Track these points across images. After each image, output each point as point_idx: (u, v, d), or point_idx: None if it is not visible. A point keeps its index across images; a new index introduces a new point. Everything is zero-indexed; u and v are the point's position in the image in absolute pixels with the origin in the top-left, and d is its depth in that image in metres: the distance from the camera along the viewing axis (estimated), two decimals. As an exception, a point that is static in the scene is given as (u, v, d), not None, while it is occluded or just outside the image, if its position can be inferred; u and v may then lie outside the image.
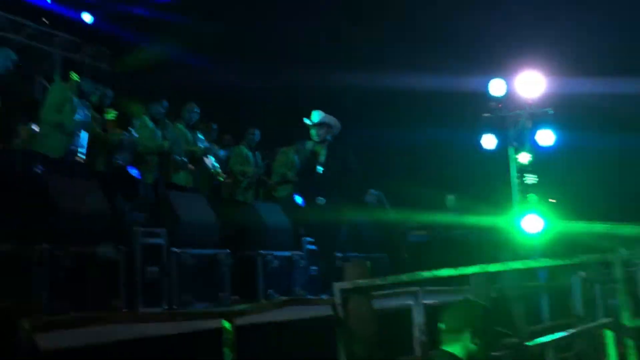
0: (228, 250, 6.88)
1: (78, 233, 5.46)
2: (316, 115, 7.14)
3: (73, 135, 6.81)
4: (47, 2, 11.00)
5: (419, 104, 12.29)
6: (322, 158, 7.08)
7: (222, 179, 8.58)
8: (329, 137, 7.16)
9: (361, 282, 4.83)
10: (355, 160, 7.22)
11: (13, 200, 5.45)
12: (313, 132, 7.12)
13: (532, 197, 10.36)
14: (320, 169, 7.05)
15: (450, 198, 11.48)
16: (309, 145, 7.16)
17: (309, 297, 6.81)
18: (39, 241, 5.13)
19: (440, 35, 12.16)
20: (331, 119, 7.18)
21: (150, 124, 7.85)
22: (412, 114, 12.39)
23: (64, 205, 5.46)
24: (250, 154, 9.16)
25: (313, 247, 7.89)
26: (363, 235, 9.29)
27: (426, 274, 5.04)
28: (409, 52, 11.84)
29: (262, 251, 7.29)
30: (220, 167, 8.81)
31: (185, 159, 7.98)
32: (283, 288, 7.34)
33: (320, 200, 6.99)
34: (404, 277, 5.11)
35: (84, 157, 6.94)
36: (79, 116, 6.85)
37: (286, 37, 12.79)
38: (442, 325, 3.97)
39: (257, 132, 9.24)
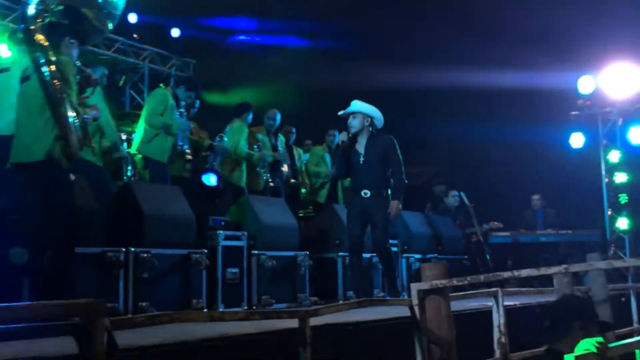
0: (307, 252, 6.98)
1: (162, 236, 5.68)
2: (352, 105, 6.67)
3: (177, 138, 7.09)
4: (133, 22, 11.39)
5: (504, 102, 12.05)
6: (360, 149, 6.54)
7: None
8: (369, 127, 6.58)
9: (439, 282, 4.77)
10: (396, 150, 6.55)
11: (103, 206, 5.72)
12: (349, 122, 6.62)
13: (623, 197, 9.99)
14: (361, 160, 6.49)
15: (536, 197, 11.14)
16: (340, 137, 6.64)
17: (388, 298, 6.78)
18: (126, 244, 5.37)
19: (526, 31, 11.88)
20: (369, 108, 6.61)
21: (245, 131, 8.11)
22: (497, 112, 12.17)
23: (150, 209, 5.67)
24: (327, 155, 9.24)
25: (394, 249, 7.86)
26: (443, 236, 9.18)
27: (505, 274, 4.94)
28: (493, 50, 11.66)
29: (341, 253, 7.34)
30: (300, 171, 9.00)
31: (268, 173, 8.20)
32: (363, 289, 7.34)
33: (365, 192, 6.44)
34: (483, 277, 5.02)
35: (190, 156, 7.23)
36: (179, 120, 7.13)
37: (370, 36, 12.86)
38: (546, 322, 3.88)
39: (337, 134, 9.31)
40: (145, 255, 5.40)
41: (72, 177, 5.20)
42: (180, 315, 2.92)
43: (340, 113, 6.69)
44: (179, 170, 7.51)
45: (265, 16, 13.31)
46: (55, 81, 4.57)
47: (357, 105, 6.62)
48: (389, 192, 6.53)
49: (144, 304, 5.25)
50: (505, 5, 11.74)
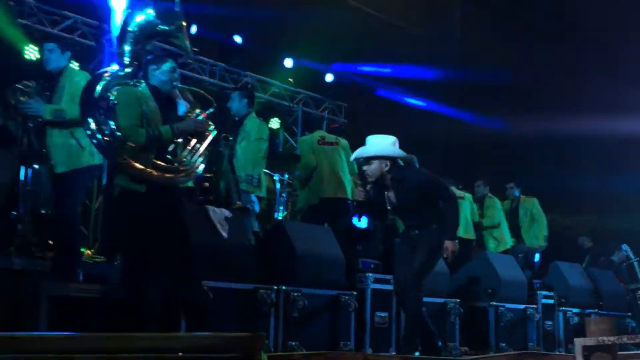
0: (458, 300, 6.77)
1: (313, 276, 5.69)
2: (367, 146, 5.31)
3: None
4: (292, 64, 11.75)
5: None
6: (392, 195, 5.33)
7: None
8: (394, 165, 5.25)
9: (607, 338, 4.43)
10: (432, 184, 5.34)
11: (256, 243, 5.83)
12: (364, 169, 5.33)
13: None
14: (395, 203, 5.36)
15: None
16: (356, 195, 5.51)
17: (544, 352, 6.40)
18: (277, 282, 5.42)
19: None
20: (384, 148, 5.22)
21: None
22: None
23: (302, 249, 5.71)
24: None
25: (549, 301, 7.53)
26: (604, 291, 8.58)
27: (682, 335, 4.50)
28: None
29: (494, 302, 7.07)
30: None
31: None
32: (515, 342, 7.03)
33: (414, 231, 5.39)
34: (656, 337, 4.61)
35: None
36: None
37: (518, 83, 12.76)
38: None
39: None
40: (296, 294, 5.43)
41: (227, 213, 5.40)
42: (335, 355, 2.87)
43: (352, 158, 5.67)
44: None
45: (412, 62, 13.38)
46: None
47: (371, 146, 5.30)
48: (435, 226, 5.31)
49: (293, 343, 5.25)
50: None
